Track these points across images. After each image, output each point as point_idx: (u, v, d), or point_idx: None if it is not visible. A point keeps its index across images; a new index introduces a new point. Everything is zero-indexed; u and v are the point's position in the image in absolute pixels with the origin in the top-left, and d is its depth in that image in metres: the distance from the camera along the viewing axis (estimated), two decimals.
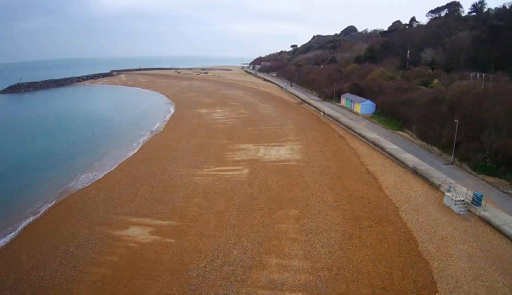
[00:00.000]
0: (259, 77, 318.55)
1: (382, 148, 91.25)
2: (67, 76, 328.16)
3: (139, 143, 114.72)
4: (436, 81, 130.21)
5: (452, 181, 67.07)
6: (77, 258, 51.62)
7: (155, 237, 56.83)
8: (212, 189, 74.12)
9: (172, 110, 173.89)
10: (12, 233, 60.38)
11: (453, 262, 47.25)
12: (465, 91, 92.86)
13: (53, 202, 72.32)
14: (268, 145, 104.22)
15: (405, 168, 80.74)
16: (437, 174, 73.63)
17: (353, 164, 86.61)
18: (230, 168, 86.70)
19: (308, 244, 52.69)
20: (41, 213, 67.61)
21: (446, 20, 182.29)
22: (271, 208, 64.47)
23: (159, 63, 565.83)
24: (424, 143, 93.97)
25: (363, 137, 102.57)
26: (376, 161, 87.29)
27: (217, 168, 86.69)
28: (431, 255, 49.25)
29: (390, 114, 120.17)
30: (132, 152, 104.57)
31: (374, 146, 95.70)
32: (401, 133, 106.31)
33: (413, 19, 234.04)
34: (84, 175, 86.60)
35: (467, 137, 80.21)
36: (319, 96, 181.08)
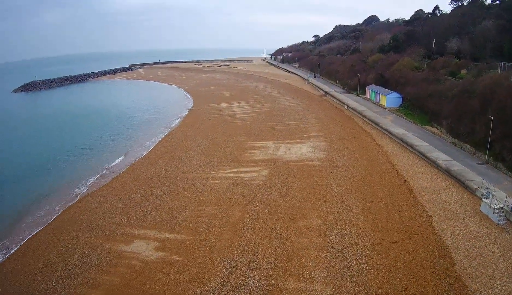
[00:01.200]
0: (280, 68, 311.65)
1: (412, 146, 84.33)
2: (84, 72, 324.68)
3: (153, 141, 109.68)
4: (464, 71, 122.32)
5: (490, 185, 59.91)
6: (74, 278, 46.82)
7: (161, 253, 51.31)
8: (227, 194, 68.25)
9: (190, 105, 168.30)
10: (11, 248, 56.04)
11: (493, 284, 40.97)
12: (497, 83, 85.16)
13: (58, 211, 67.70)
14: (289, 143, 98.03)
15: (437, 168, 73.80)
16: (472, 176, 66.62)
17: (381, 163, 79.80)
18: (248, 169, 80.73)
19: (331, 263, 46.36)
20: (43, 224, 62.81)
21: (470, 9, 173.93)
22: (292, 218, 58.29)
23: (179, 56, 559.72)
24: (456, 140, 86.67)
25: (390, 133, 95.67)
26: (405, 160, 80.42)
27: (234, 170, 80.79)
28: (468, 276, 42.68)
29: (417, 107, 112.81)
30: (145, 151, 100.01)
31: (402, 143, 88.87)
32: (430, 128, 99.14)
33: (436, 8, 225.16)
34: (92, 178, 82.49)
35: (502, 135, 72.70)
36: (343, 88, 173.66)
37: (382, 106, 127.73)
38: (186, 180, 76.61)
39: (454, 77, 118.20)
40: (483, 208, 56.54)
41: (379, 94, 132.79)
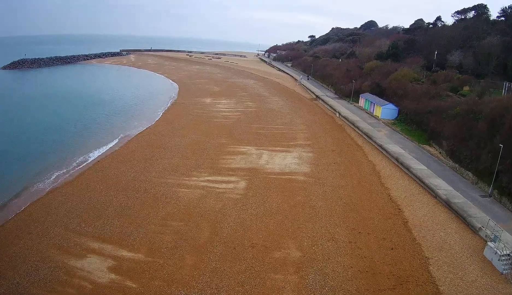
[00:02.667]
0: (273, 66, 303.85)
1: (408, 168, 76.14)
2: (75, 54, 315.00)
3: (129, 134, 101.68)
4: (466, 88, 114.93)
5: (496, 226, 51.98)
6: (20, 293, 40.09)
7: (114, 276, 43.66)
8: (197, 208, 60.14)
9: (175, 98, 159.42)
10: None
11: None
12: (508, 107, 77.00)
13: (15, 208, 60.62)
14: (273, 150, 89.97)
15: (436, 198, 65.70)
16: (475, 211, 58.64)
17: (372, 185, 71.78)
18: (225, 178, 72.53)
19: None
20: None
21: (474, 23, 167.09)
22: (267, 246, 50.16)
23: (172, 45, 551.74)
24: (457, 165, 78.92)
25: (385, 149, 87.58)
26: (400, 184, 72.36)
27: (209, 178, 72.60)
28: None
29: (414, 123, 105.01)
30: (118, 145, 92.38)
31: (397, 164, 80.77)
32: (428, 148, 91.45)
33: (438, 18, 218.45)
34: (56, 173, 74.71)
35: (511, 166, 64.88)
36: (335, 93, 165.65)
37: (376, 117, 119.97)
38: (155, 185, 68.54)
39: (455, 93, 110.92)
40: (487, 253, 48.99)
41: (374, 104, 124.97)
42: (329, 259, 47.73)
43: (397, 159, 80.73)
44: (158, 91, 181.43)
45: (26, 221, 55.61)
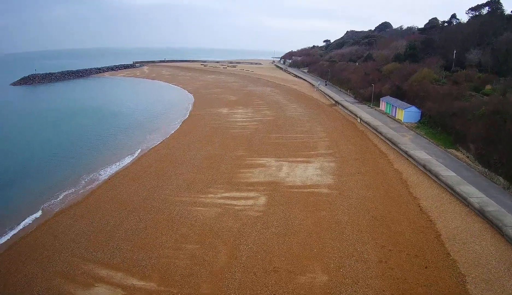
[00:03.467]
0: (289, 73, 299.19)
1: (436, 175, 71.26)
2: (87, 67, 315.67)
3: (142, 148, 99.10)
4: (488, 86, 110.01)
5: None
6: None
7: None
8: (214, 228, 56.00)
9: (190, 109, 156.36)
10: None
11: None
12: None
13: (22, 232, 57.78)
14: (293, 161, 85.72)
15: (468, 206, 60.80)
16: (510, 220, 53.65)
17: (400, 196, 67.06)
18: (243, 194, 68.33)
19: None
20: (3, 248, 52.83)
21: (490, 19, 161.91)
22: (290, 270, 45.85)
23: (186, 55, 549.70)
24: (486, 170, 73.88)
25: (410, 156, 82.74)
26: (429, 193, 67.53)
27: (226, 194, 68.43)
28: None
29: (439, 126, 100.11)
30: (131, 160, 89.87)
31: (425, 171, 75.90)
32: (454, 152, 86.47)
33: (453, 16, 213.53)
34: (65, 193, 71.32)
35: None
36: (355, 98, 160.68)
37: (398, 121, 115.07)
38: (169, 204, 64.64)
39: (477, 93, 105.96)
40: None
41: (396, 107, 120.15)
42: (358, 282, 43.38)
43: (424, 166, 75.96)
44: (173, 102, 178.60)
45: (32, 246, 52.36)
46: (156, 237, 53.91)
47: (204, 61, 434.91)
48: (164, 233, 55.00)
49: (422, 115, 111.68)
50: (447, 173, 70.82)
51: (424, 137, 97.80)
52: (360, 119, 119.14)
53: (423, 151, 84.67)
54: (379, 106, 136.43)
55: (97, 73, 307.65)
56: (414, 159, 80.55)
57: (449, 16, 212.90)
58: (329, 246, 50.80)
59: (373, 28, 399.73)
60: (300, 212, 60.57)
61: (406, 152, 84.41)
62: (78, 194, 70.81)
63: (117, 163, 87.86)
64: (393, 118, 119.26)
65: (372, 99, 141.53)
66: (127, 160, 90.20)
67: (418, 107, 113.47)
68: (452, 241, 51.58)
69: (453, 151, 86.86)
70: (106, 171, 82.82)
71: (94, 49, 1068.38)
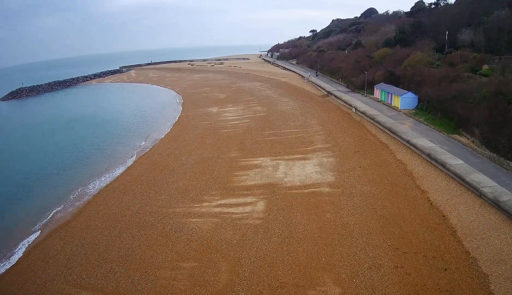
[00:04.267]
0: (277, 66, 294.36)
1: (443, 164, 67.15)
2: (73, 76, 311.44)
3: (132, 157, 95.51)
4: (485, 66, 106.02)
5: None
6: None
7: None
8: (212, 242, 51.83)
9: (179, 111, 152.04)
10: None
11: None
12: None
13: (11, 259, 54.02)
14: (289, 159, 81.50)
15: (481, 197, 56.70)
16: None
17: (407, 190, 62.88)
18: (240, 200, 64.08)
19: None
20: None
21: None
22: (298, 284, 41.81)
23: (173, 56, 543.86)
24: (495, 155, 69.82)
25: (413, 145, 78.51)
26: (438, 185, 63.36)
27: (222, 201, 64.19)
28: None
29: (439, 111, 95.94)
30: (121, 171, 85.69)
31: (430, 160, 71.73)
32: (458, 137, 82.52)
33: None
34: (55, 210, 68.03)
35: None
36: (347, 87, 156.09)
37: (395, 109, 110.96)
38: (163, 217, 60.49)
39: (475, 74, 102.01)
40: None
41: (391, 94, 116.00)
42: (375, 293, 39.25)
43: (429, 155, 71.79)
44: (161, 105, 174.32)
45: (24, 274, 48.99)
46: (151, 256, 49.86)
47: (192, 60, 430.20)
48: (159, 251, 50.91)
49: (419, 101, 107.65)
50: (455, 162, 66.76)
51: (424, 124, 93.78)
52: (355, 109, 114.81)
53: (426, 138, 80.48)
54: (373, 94, 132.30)
55: (84, 81, 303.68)
56: (417, 148, 76.39)
57: None
58: (338, 253, 46.65)
59: (358, 15, 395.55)
60: (303, 216, 56.36)
61: (408, 141, 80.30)
62: (67, 212, 66.84)
63: (107, 175, 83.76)
64: (389, 106, 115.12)
65: (365, 87, 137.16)
66: (118, 170, 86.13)
67: (415, 93, 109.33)
68: (469, 237, 47.62)
69: (457, 136, 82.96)
70: (96, 184, 78.83)
71: (86, 56, 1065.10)
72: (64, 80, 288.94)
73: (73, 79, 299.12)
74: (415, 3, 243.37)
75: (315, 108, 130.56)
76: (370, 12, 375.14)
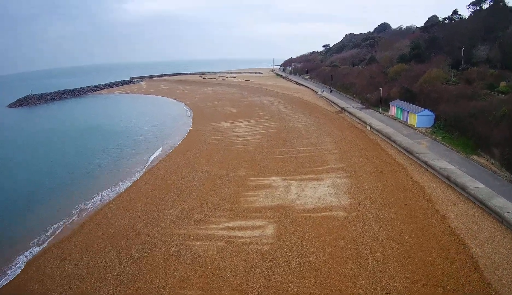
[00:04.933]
0: (290, 80, 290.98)
1: (463, 188, 63.43)
2: (83, 85, 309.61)
3: (138, 172, 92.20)
4: (503, 84, 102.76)
5: None
6: None
7: None
8: (218, 269, 48.44)
9: (189, 124, 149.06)
10: None
11: None
12: None
13: (9, 276, 51.54)
14: (302, 179, 78.05)
15: (502, 223, 53.41)
16: None
17: (426, 216, 59.14)
18: (249, 223, 60.61)
19: None
20: None
21: (494, 12, 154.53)
22: None
23: (184, 68, 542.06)
24: None
25: (431, 167, 74.70)
26: (458, 210, 59.55)
27: (230, 224, 60.78)
28: None
29: (456, 130, 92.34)
30: (125, 186, 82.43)
31: (449, 183, 68.01)
32: (477, 158, 78.87)
33: (455, 12, 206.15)
34: (56, 225, 65.19)
35: None
36: (361, 103, 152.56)
37: (411, 127, 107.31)
38: (166, 238, 57.24)
39: (492, 91, 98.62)
40: None
41: (408, 111, 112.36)
42: None
43: (448, 178, 68.04)
44: (170, 118, 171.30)
45: (18, 292, 47.06)
46: (151, 281, 46.63)
47: (203, 73, 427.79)
48: (160, 276, 47.68)
49: (436, 119, 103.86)
50: (475, 185, 63.10)
51: (441, 143, 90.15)
52: (370, 126, 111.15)
53: (444, 160, 76.74)
54: (388, 111, 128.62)
55: (94, 90, 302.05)
56: (435, 170, 72.63)
57: (451, 12, 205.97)
58: (352, 285, 43.22)
59: (372, 30, 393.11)
60: (315, 243, 52.84)
61: (425, 162, 76.54)
62: (68, 227, 64.31)
63: (111, 190, 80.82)
64: (405, 124, 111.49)
65: (380, 104, 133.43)
66: (122, 185, 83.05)
67: (432, 110, 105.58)
68: (491, 268, 44.16)
69: (475, 157, 79.39)
70: (99, 200, 75.86)
71: (91, 66, 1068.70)
72: (74, 89, 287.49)
73: (83, 88, 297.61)
74: (429, 18, 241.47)
75: (329, 125, 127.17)
76: (383, 27, 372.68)
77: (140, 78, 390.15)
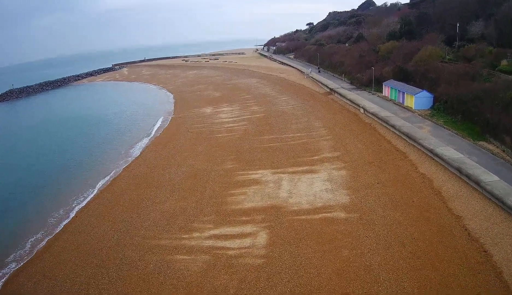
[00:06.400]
0: (274, 60, 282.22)
1: (477, 182, 56.18)
2: (65, 75, 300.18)
3: (116, 169, 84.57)
4: (504, 62, 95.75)
5: None
6: None
7: None
8: (204, 290, 41.74)
9: (171, 112, 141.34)
10: None
11: None
12: None
13: None
14: (294, 172, 70.87)
15: None
16: None
17: (438, 215, 52.04)
18: (237, 230, 53.37)
19: None
20: None
21: None
22: None
23: (168, 52, 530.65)
24: None
25: (438, 156, 67.22)
26: (473, 208, 52.37)
27: (216, 232, 53.44)
28: None
29: (459, 113, 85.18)
30: (100, 188, 74.64)
31: (460, 175, 60.74)
32: (486, 145, 71.63)
33: None
34: (31, 240, 57.74)
35: None
36: (351, 83, 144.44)
37: (409, 109, 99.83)
38: (144, 252, 50.06)
39: (493, 70, 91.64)
40: None
41: (404, 92, 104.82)
42: None
43: (459, 170, 60.66)
44: (151, 106, 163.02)
45: None
46: None
47: (186, 56, 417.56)
48: None
49: (435, 100, 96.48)
50: (490, 178, 55.87)
51: (445, 128, 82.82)
52: (364, 109, 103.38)
53: (450, 147, 69.38)
54: (381, 92, 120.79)
55: (75, 80, 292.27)
56: (443, 160, 65.18)
57: None
58: None
59: (356, 7, 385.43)
60: (315, 254, 45.59)
61: (431, 151, 68.99)
62: (39, 240, 57.34)
63: (87, 192, 73.50)
64: (401, 106, 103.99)
65: (372, 85, 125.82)
66: (99, 184, 76.31)
67: (430, 91, 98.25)
68: None
69: (484, 143, 72.28)
70: (74, 205, 68.55)
71: (81, 53, 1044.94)
72: (55, 80, 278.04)
73: (64, 78, 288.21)
74: None
75: (318, 107, 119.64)
76: (368, 4, 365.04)
77: (122, 65, 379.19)
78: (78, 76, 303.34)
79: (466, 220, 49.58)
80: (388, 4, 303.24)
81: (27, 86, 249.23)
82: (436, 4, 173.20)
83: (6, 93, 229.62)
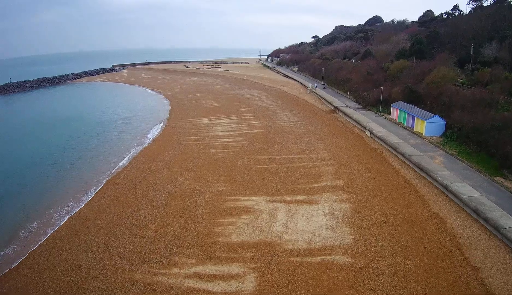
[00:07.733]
0: (277, 72, 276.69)
1: (497, 227, 49.12)
2: (64, 73, 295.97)
3: (97, 183, 76.73)
4: None
5: None
6: None
7: None
8: None
9: (165, 120, 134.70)
10: None
11: None
12: None
13: None
14: (291, 201, 63.72)
15: None
16: None
17: (453, 266, 44.80)
18: (222, 269, 46.07)
19: None
20: None
21: (500, 10, 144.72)
22: None
23: (170, 56, 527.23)
24: None
25: (453, 193, 60.15)
26: (492, 258, 45.35)
27: (198, 269, 46.20)
28: None
29: (475, 143, 78.27)
30: (79, 206, 66.81)
31: (477, 217, 53.67)
32: (503, 182, 64.65)
33: (455, 7, 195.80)
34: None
35: None
36: (357, 102, 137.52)
37: (419, 135, 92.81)
38: (116, 287, 43.05)
39: (510, 97, 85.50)
40: None
41: (414, 116, 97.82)
42: None
43: (476, 212, 53.65)
44: (147, 112, 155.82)
45: None
46: None
47: (188, 62, 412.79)
48: None
49: (446, 127, 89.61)
50: (510, 223, 48.80)
51: (458, 159, 75.78)
52: (371, 132, 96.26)
53: (466, 183, 62.39)
54: (389, 114, 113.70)
55: (74, 78, 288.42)
56: (459, 198, 58.09)
57: (447, 7, 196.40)
58: None
59: (363, 23, 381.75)
60: None
61: (446, 187, 61.84)
62: (11, 258, 50.99)
63: (60, 210, 65.56)
64: (411, 131, 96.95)
65: (380, 105, 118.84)
66: (73, 204, 68.11)
67: (442, 117, 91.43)
68: None
69: (502, 180, 65.34)
70: (50, 223, 60.99)
71: (83, 51, 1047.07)
72: (53, 77, 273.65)
73: (62, 76, 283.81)
74: (424, 13, 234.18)
75: (321, 126, 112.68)
76: (375, 20, 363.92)
77: (122, 66, 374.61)
78: (77, 74, 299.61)
79: (484, 272, 42.73)
80: (396, 21, 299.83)
81: (24, 81, 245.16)
82: (448, 23, 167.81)
83: (3, 86, 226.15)
